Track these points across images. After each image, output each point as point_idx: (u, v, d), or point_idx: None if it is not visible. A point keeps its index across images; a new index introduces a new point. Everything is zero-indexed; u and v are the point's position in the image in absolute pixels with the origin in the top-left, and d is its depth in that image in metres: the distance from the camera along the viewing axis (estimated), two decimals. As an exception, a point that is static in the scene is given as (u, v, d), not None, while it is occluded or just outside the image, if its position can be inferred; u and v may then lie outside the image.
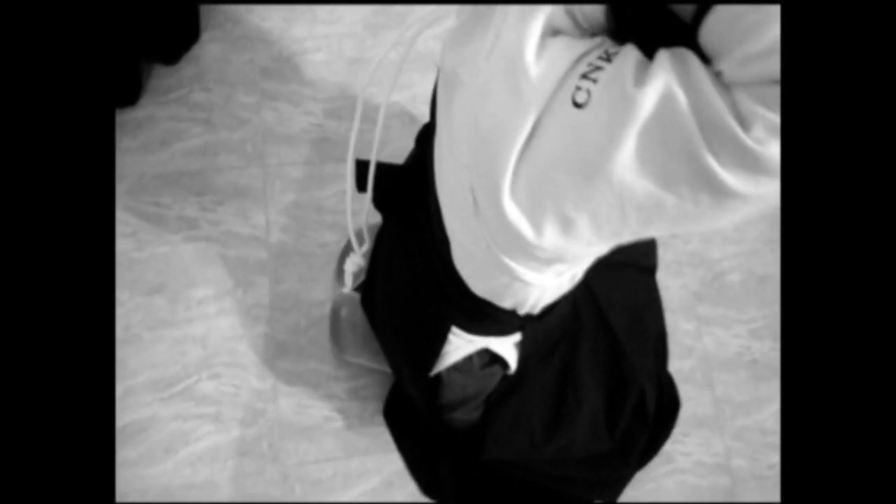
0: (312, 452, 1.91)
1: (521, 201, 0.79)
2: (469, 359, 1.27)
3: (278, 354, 1.94)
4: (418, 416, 1.69)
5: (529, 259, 0.88)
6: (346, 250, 1.95)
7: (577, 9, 0.76)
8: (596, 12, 0.76)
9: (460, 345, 1.23)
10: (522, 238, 0.82)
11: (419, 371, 1.30)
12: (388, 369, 1.78)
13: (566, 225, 0.78)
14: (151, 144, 2.05)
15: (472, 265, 1.01)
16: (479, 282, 1.04)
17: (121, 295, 1.90)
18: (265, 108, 2.16)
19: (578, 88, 0.71)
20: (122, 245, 1.94)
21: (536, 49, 0.73)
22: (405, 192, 1.20)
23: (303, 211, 2.06)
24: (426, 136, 1.10)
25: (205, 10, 2.15)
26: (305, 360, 1.94)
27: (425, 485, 1.75)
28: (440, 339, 1.21)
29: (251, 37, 2.21)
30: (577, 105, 0.71)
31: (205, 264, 1.97)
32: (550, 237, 0.81)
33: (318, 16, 2.27)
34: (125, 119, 2.03)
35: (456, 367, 1.28)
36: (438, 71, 0.96)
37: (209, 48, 2.17)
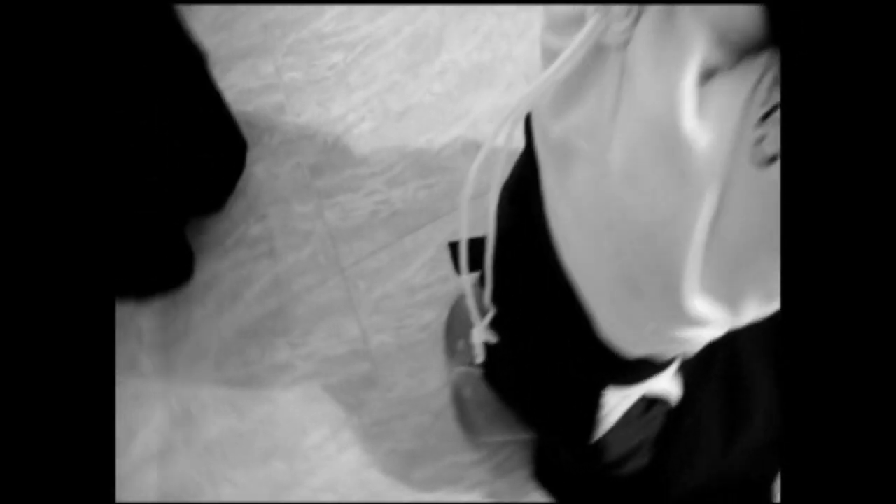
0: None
1: (711, 292, 0.64)
2: (628, 411, 1.10)
3: (411, 466, 1.74)
4: (574, 472, 1.51)
5: (710, 327, 0.72)
6: (450, 323, 1.78)
7: (730, 30, 0.54)
8: (748, 22, 0.53)
9: (617, 402, 1.06)
10: (709, 321, 0.68)
11: (576, 442, 1.15)
12: (525, 435, 1.63)
13: (770, 298, 0.63)
14: (222, 303, 1.91)
15: (629, 338, 0.84)
16: (639, 349, 0.86)
17: (235, 476, 1.76)
18: (326, 210, 1.98)
19: (762, 138, 0.53)
20: (224, 422, 1.80)
21: (696, 110, 0.56)
22: (516, 267, 1.01)
23: (394, 300, 1.86)
24: (521, 195, 0.93)
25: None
26: (440, 459, 1.74)
27: None
28: (594, 408, 1.05)
29: (291, 139, 2.05)
30: (766, 161, 0.53)
31: (311, 405, 1.80)
32: (750, 313, 0.66)
33: (352, 83, 2.08)
34: (189, 289, 1.93)
35: (616, 424, 1.11)
36: (532, 130, 0.83)
37: (252, 171, 2.03)
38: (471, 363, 1.63)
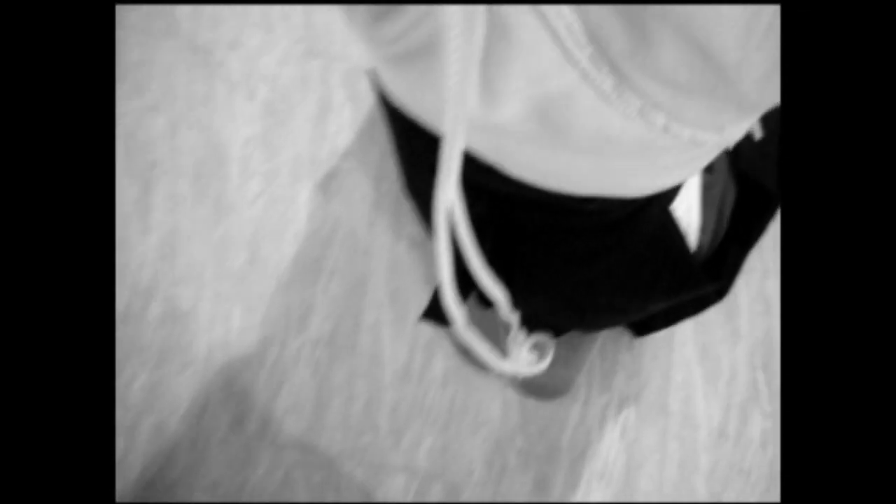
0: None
1: None
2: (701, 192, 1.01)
3: (548, 483, 1.39)
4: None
5: None
6: (460, 347, 1.45)
7: None
8: None
9: (687, 203, 0.96)
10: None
11: (681, 270, 0.99)
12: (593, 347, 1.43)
13: None
14: None
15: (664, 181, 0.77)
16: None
17: None
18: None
19: None
20: None
21: None
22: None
23: (402, 418, 1.42)
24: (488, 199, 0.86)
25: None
26: (562, 440, 1.41)
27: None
28: (674, 227, 0.94)
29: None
30: None
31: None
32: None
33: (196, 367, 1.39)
34: None
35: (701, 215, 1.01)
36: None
37: None
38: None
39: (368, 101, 1.43)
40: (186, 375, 1.35)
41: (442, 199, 0.62)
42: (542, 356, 1.11)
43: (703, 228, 1.03)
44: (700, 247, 1.04)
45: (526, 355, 1.06)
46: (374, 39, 0.60)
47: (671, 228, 0.95)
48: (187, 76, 1.44)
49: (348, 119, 1.41)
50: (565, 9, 0.48)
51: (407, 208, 1.38)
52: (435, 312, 1.37)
